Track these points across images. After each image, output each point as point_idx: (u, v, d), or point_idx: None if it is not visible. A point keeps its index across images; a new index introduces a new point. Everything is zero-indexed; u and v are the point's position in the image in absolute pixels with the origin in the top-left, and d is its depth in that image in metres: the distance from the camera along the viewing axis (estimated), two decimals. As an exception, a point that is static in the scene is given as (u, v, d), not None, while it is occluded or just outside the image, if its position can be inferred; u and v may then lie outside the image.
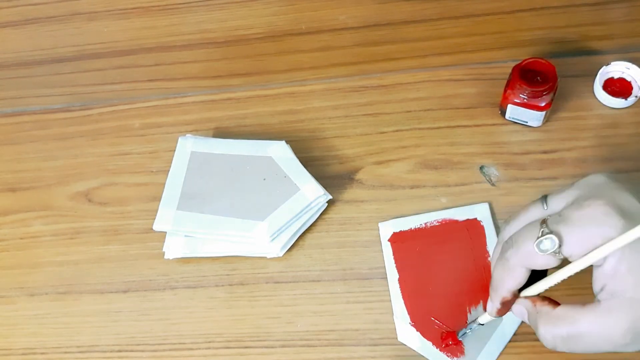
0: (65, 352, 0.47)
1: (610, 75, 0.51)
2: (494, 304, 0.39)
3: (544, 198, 0.38)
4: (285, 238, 0.47)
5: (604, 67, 0.51)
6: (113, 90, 0.59)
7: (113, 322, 0.48)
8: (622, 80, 0.51)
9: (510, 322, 0.43)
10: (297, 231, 0.48)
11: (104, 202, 0.53)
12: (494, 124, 0.52)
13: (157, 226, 0.49)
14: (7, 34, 0.64)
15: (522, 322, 0.43)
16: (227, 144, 0.51)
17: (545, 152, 0.50)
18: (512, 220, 0.39)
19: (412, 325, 0.44)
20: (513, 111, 0.50)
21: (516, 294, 0.38)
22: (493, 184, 0.49)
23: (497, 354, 0.42)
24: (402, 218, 0.48)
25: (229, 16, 0.61)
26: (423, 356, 0.43)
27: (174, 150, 0.52)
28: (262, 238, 0.47)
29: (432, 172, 0.50)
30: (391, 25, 0.58)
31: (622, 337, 0.33)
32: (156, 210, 0.49)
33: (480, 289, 0.44)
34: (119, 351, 0.47)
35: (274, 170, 0.50)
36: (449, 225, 0.47)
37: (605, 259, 0.33)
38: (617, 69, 0.51)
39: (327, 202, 0.49)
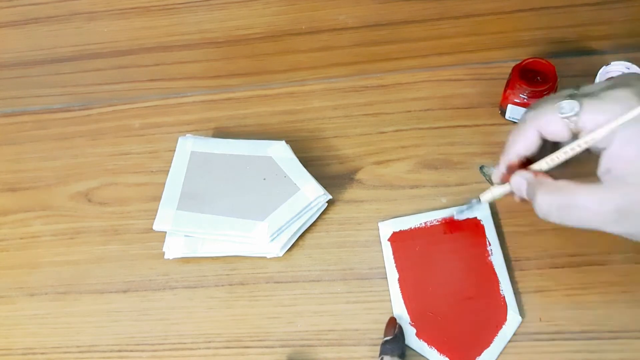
0: (65, 352, 0.47)
1: (610, 75, 0.51)
2: (499, 168, 0.39)
3: (577, 86, 0.37)
4: (285, 238, 0.47)
5: (604, 67, 0.51)
6: (113, 90, 0.59)
7: (113, 322, 0.48)
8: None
9: (510, 323, 0.43)
10: (297, 231, 0.48)
11: (104, 202, 0.53)
12: (493, 124, 0.52)
13: (157, 226, 0.49)
14: (6, 33, 0.64)
15: (522, 322, 0.43)
16: (227, 144, 0.51)
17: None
18: (540, 101, 0.38)
19: (412, 325, 0.44)
20: (513, 111, 0.50)
21: (523, 163, 0.38)
22: (493, 184, 0.49)
23: (497, 354, 0.42)
24: (401, 218, 0.48)
25: (229, 16, 0.61)
26: (423, 356, 0.43)
27: (174, 150, 0.52)
28: (262, 238, 0.47)
29: (432, 172, 0.50)
30: (391, 25, 0.58)
31: (610, 214, 0.34)
32: (156, 210, 0.49)
33: (480, 288, 0.44)
34: (119, 351, 0.47)
35: (273, 170, 0.50)
36: (449, 225, 0.47)
37: (612, 140, 0.33)
38: (617, 68, 0.51)
39: (327, 202, 0.49)
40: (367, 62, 0.56)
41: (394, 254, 0.47)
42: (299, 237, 0.49)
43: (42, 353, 0.48)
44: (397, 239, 0.47)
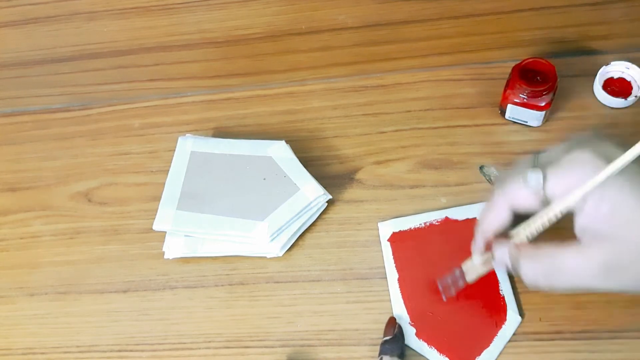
0: (65, 352, 0.47)
1: (610, 75, 0.51)
2: (477, 244, 0.40)
3: (536, 154, 0.38)
4: (285, 238, 0.47)
5: (604, 67, 0.51)
6: (113, 90, 0.59)
7: (113, 322, 0.48)
8: (621, 80, 0.51)
9: (510, 323, 0.43)
10: (297, 231, 0.48)
11: (104, 202, 0.53)
12: (493, 124, 0.52)
13: (157, 226, 0.49)
14: (6, 33, 0.64)
15: (521, 322, 0.43)
16: (227, 144, 0.51)
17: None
18: (504, 175, 0.40)
19: (411, 325, 0.44)
20: (513, 111, 0.50)
21: (498, 237, 0.39)
22: (493, 184, 0.49)
23: (497, 354, 0.42)
24: (401, 218, 0.48)
25: (229, 16, 0.61)
26: (423, 356, 0.43)
27: (174, 150, 0.52)
28: (262, 238, 0.47)
29: (432, 172, 0.50)
30: (391, 25, 0.58)
31: (597, 272, 0.34)
32: (156, 210, 0.49)
33: (480, 288, 0.44)
34: (119, 351, 0.47)
35: (273, 170, 0.49)
36: (449, 225, 0.47)
37: (585, 201, 0.34)
38: (617, 68, 0.51)
39: (327, 202, 0.49)
40: (367, 62, 0.56)
41: (393, 254, 0.47)
42: (299, 237, 0.49)
43: (42, 353, 0.48)
44: (396, 239, 0.47)
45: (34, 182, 0.55)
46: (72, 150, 0.56)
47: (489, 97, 0.52)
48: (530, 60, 0.48)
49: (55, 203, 0.54)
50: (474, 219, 0.47)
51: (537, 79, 0.48)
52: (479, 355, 0.42)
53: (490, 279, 0.44)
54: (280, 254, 0.48)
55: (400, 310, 0.45)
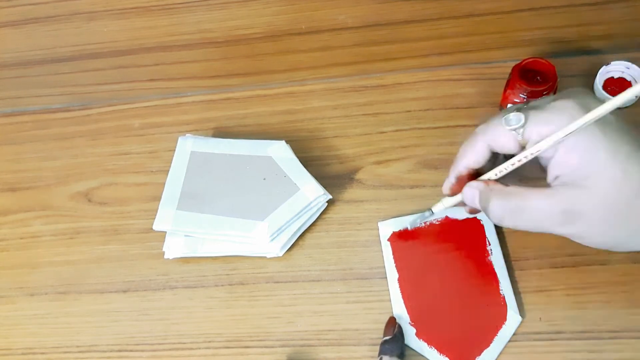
0: (65, 352, 0.47)
1: (610, 75, 0.51)
2: (449, 179, 0.41)
3: (527, 102, 0.39)
4: (285, 238, 0.47)
5: (604, 66, 0.51)
6: (113, 90, 0.59)
7: (113, 322, 0.48)
8: (622, 80, 0.51)
9: (510, 323, 0.43)
10: (297, 231, 0.48)
11: (104, 202, 0.53)
12: (493, 124, 0.52)
13: (157, 226, 0.49)
14: (6, 33, 0.64)
15: (522, 322, 0.43)
16: (227, 144, 0.51)
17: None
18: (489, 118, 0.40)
19: (411, 325, 0.44)
20: (513, 111, 0.50)
21: (471, 175, 0.40)
22: None
23: (497, 353, 0.42)
24: (401, 217, 0.48)
25: (229, 16, 0.61)
26: (423, 356, 0.43)
27: (174, 150, 0.52)
28: (262, 238, 0.47)
29: (432, 171, 0.50)
30: (391, 25, 0.58)
31: (557, 218, 0.36)
32: (156, 210, 0.49)
33: (480, 287, 0.44)
34: (119, 351, 0.47)
35: (273, 170, 0.49)
36: (449, 224, 0.47)
37: (557, 149, 0.35)
38: (617, 68, 0.51)
39: (327, 202, 0.49)
40: (367, 62, 0.56)
41: (393, 254, 0.47)
42: (299, 237, 0.49)
43: (42, 353, 0.48)
44: (396, 239, 0.47)
45: (34, 182, 0.55)
46: (72, 150, 0.56)
47: (489, 97, 0.52)
48: (530, 60, 0.48)
49: (55, 203, 0.54)
50: (474, 217, 0.47)
51: (537, 79, 0.48)
52: (479, 355, 0.42)
53: (490, 278, 0.45)
54: (280, 254, 0.48)
55: (400, 310, 0.45)
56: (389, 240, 0.47)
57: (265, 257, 0.48)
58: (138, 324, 0.48)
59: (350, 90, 0.55)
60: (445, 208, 0.44)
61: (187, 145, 0.52)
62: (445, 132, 0.52)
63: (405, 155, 0.51)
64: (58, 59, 0.61)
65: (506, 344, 0.43)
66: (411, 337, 0.44)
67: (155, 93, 0.58)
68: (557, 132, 0.35)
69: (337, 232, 0.49)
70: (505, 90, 0.49)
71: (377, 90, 0.55)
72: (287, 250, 0.48)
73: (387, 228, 0.48)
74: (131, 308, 0.48)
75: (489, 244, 0.46)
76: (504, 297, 0.44)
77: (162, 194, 0.50)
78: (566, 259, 0.45)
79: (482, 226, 0.47)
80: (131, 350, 0.47)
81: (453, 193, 0.42)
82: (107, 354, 0.47)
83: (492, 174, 0.39)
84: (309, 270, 0.48)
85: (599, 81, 0.51)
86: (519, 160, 0.37)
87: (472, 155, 0.39)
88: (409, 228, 0.46)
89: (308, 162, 0.51)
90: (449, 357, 0.43)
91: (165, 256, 0.49)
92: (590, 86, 0.52)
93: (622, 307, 0.43)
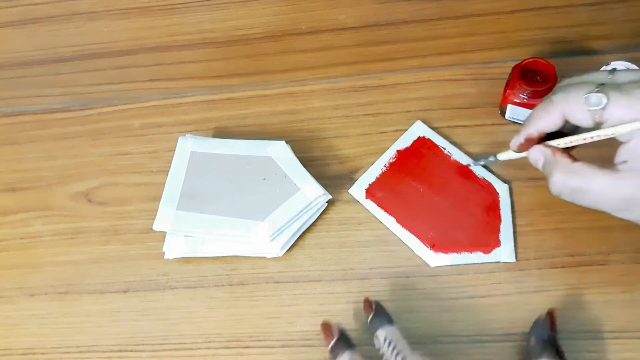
0: (65, 352, 0.47)
1: (610, 75, 0.51)
2: (518, 137, 0.41)
3: (614, 70, 0.38)
4: (285, 238, 0.47)
5: (604, 66, 0.51)
6: (113, 90, 0.59)
7: (113, 322, 0.48)
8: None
9: (504, 252, 0.45)
10: (297, 231, 0.48)
11: (104, 202, 0.53)
12: (493, 124, 0.52)
13: (157, 226, 0.49)
14: (7, 33, 0.64)
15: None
16: (227, 144, 0.51)
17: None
18: (577, 75, 0.40)
19: (432, 248, 0.46)
20: (513, 111, 0.50)
21: (541, 137, 0.40)
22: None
23: (510, 230, 0.47)
24: (363, 175, 0.50)
25: (229, 16, 0.61)
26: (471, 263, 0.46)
27: (174, 150, 0.52)
28: (262, 238, 0.47)
29: (432, 172, 0.50)
30: (391, 25, 0.58)
31: (620, 201, 0.36)
32: (156, 211, 0.49)
33: (467, 181, 0.48)
34: (119, 351, 0.47)
35: (273, 170, 0.50)
36: (402, 155, 0.50)
37: (633, 136, 0.35)
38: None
39: (327, 202, 0.49)
40: (367, 62, 0.56)
41: (379, 205, 0.49)
42: (299, 237, 0.49)
43: (42, 353, 0.48)
44: (372, 193, 0.49)
45: (34, 182, 0.55)
46: (72, 150, 0.56)
47: (489, 97, 0.52)
48: (530, 60, 0.48)
49: (55, 203, 0.54)
50: (419, 138, 0.50)
51: (537, 79, 0.48)
52: (499, 233, 0.46)
53: (466, 172, 0.49)
54: (281, 254, 0.48)
55: (416, 244, 0.47)
56: (367, 198, 0.49)
57: (265, 257, 0.48)
58: (138, 324, 0.48)
59: (350, 90, 0.55)
60: (509, 159, 0.44)
61: (187, 145, 0.52)
62: (445, 132, 0.52)
63: (405, 155, 0.51)
64: (58, 59, 0.61)
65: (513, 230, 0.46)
66: (440, 257, 0.46)
67: (155, 93, 0.58)
68: (638, 120, 0.35)
69: (337, 232, 0.49)
70: (505, 91, 0.49)
71: (378, 90, 0.55)
72: (287, 251, 0.48)
73: (359, 189, 0.50)
74: (131, 308, 0.48)
75: (444, 149, 0.50)
76: (490, 184, 0.48)
77: (162, 194, 0.50)
78: (566, 259, 0.45)
79: (430, 140, 0.51)
80: (131, 351, 0.47)
81: (520, 150, 0.42)
82: (107, 354, 0.47)
83: (561, 142, 0.39)
84: (309, 270, 0.48)
85: (634, 69, 0.51)
86: (592, 138, 0.37)
87: (546, 121, 0.39)
88: (472, 166, 0.49)
89: (308, 162, 0.51)
90: (480, 251, 0.46)
91: (165, 256, 0.49)
92: (590, 86, 0.51)
93: (623, 307, 0.43)
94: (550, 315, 0.42)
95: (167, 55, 0.60)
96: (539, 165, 0.40)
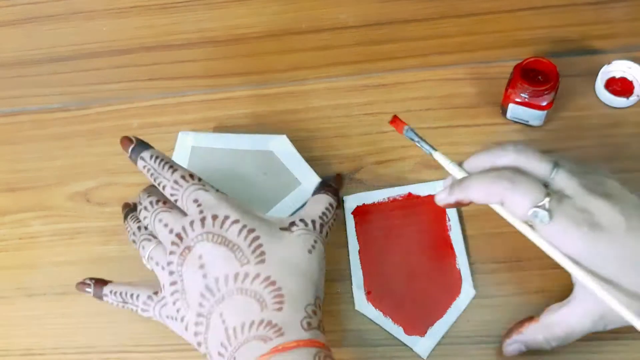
0: (64, 353, 0.47)
1: (611, 75, 0.51)
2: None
3: (557, 165, 0.38)
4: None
5: (606, 66, 0.51)
6: (112, 89, 0.58)
7: (112, 322, 0.48)
8: (623, 79, 0.51)
9: (464, 296, 0.44)
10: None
11: (103, 202, 0.53)
12: (495, 124, 0.51)
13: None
14: (4, 32, 0.64)
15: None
16: (227, 139, 0.51)
17: (546, 151, 0.49)
18: (522, 146, 0.39)
19: (368, 294, 0.45)
20: (514, 111, 0.50)
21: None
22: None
23: (449, 324, 0.44)
24: (366, 192, 0.49)
25: (229, 15, 0.61)
26: (379, 325, 0.44)
27: (173, 149, 0.52)
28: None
29: (432, 172, 0.50)
30: (392, 24, 0.58)
31: (595, 324, 0.38)
32: (155, 211, 0.49)
33: (438, 261, 0.46)
34: (118, 352, 0.47)
35: (274, 164, 0.49)
36: (411, 200, 0.48)
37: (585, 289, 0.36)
38: (619, 68, 0.51)
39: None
40: (368, 61, 0.56)
41: (356, 226, 0.48)
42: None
43: (41, 354, 0.47)
44: (360, 212, 0.48)
45: (33, 182, 0.55)
46: (70, 150, 0.56)
47: (490, 97, 0.52)
48: (532, 59, 0.48)
49: (54, 203, 0.53)
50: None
51: (539, 79, 0.48)
52: (432, 325, 0.44)
53: (447, 252, 0.46)
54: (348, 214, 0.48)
55: (358, 280, 0.46)
56: (352, 213, 0.48)
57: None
58: (137, 324, 0.47)
59: (351, 90, 0.55)
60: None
61: (188, 141, 0.52)
62: (446, 132, 0.52)
63: (405, 155, 0.51)
64: (57, 58, 0.61)
65: (459, 315, 0.44)
66: (369, 307, 0.45)
67: (154, 92, 0.58)
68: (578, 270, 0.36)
69: (338, 232, 0.49)
70: (506, 90, 0.49)
71: (378, 90, 0.55)
72: (288, 251, 0.48)
73: (352, 202, 0.49)
74: (130, 309, 0.48)
75: (449, 220, 0.47)
76: (459, 271, 0.45)
77: (161, 194, 0.50)
78: (568, 259, 0.45)
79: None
80: (130, 352, 0.47)
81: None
82: (106, 355, 0.47)
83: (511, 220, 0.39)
84: (309, 270, 0.48)
85: (600, 80, 0.51)
86: (521, 232, 0.38)
87: (482, 198, 0.38)
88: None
89: (308, 161, 0.51)
90: (403, 327, 0.44)
91: (165, 257, 0.49)
92: (591, 86, 0.51)
93: (624, 307, 0.43)
94: (338, 176, 0.47)
95: (166, 54, 0.60)
96: (522, 350, 0.41)
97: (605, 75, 0.51)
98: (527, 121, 0.50)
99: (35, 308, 0.49)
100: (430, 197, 0.47)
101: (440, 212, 0.47)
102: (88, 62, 0.60)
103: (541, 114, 0.49)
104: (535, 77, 0.48)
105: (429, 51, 0.56)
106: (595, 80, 0.51)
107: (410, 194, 0.48)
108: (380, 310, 0.45)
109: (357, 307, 0.45)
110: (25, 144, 0.57)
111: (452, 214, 0.47)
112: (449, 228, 0.47)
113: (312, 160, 0.51)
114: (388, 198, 0.49)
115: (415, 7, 0.58)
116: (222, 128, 0.55)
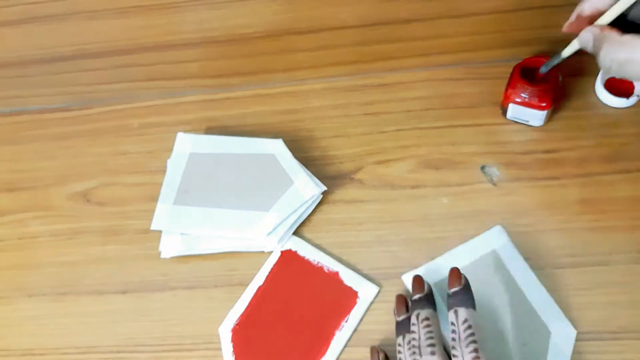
0: (64, 353, 0.47)
1: (611, 75, 0.51)
2: (570, 18, 0.42)
3: None
4: (281, 232, 0.48)
5: (606, 66, 0.51)
6: (112, 89, 0.58)
7: (112, 322, 0.48)
8: (623, 79, 0.51)
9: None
10: (293, 225, 0.48)
11: (103, 202, 0.53)
12: (495, 124, 0.51)
13: (155, 226, 0.49)
14: (5, 33, 0.64)
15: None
16: (224, 141, 0.51)
17: (546, 151, 0.50)
18: None
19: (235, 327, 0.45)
20: (514, 110, 0.50)
21: (593, 18, 0.41)
22: (494, 184, 0.49)
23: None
24: (307, 244, 0.48)
25: (229, 15, 0.61)
26: None
27: (172, 150, 0.52)
28: (259, 233, 0.47)
29: (433, 172, 0.50)
30: (391, 24, 0.57)
31: None
32: (154, 210, 0.49)
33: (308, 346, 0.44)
34: (118, 352, 0.47)
35: (270, 167, 0.50)
36: (333, 280, 0.46)
37: None
38: (619, 68, 0.51)
39: (328, 202, 0.49)
40: (368, 61, 0.56)
41: (275, 265, 0.47)
42: (300, 237, 0.49)
43: (41, 354, 0.47)
44: (288, 256, 0.47)
45: (33, 182, 0.55)
46: (70, 150, 0.56)
47: (490, 97, 0.52)
48: (532, 59, 0.48)
49: (53, 203, 0.53)
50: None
51: (539, 79, 0.48)
52: None
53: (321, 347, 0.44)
54: (278, 248, 0.48)
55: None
56: (281, 252, 0.47)
57: (262, 252, 0.48)
58: (137, 324, 0.47)
59: (350, 90, 0.55)
60: (573, 51, 0.44)
61: (185, 143, 0.52)
62: (446, 132, 0.51)
63: (406, 155, 0.51)
64: (57, 58, 0.61)
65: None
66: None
67: (154, 93, 0.58)
68: None
69: (337, 232, 0.49)
70: (506, 90, 0.49)
71: (378, 90, 0.54)
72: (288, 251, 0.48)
73: (292, 244, 0.48)
74: (130, 309, 0.48)
75: (346, 321, 0.45)
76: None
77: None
78: (567, 259, 0.45)
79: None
80: (130, 352, 0.47)
81: (570, 31, 0.42)
82: (106, 355, 0.47)
83: (606, 17, 0.40)
84: (309, 270, 0.48)
85: (600, 80, 0.51)
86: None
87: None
88: (543, 71, 0.47)
89: (308, 161, 0.51)
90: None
91: (162, 255, 0.49)
92: (591, 86, 0.51)
93: (624, 308, 0.43)
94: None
95: (166, 55, 0.60)
96: (589, 47, 0.40)
97: (605, 75, 0.51)
98: (527, 121, 0.50)
99: (35, 308, 0.49)
100: (349, 291, 0.45)
101: (345, 310, 0.45)
102: (88, 62, 0.60)
103: (541, 113, 0.49)
104: (535, 76, 0.48)
105: (429, 51, 0.55)
106: (595, 80, 0.51)
107: (337, 274, 0.46)
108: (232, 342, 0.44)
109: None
110: (25, 144, 0.57)
111: (357, 313, 0.45)
112: (339, 328, 0.44)
113: (311, 160, 0.51)
114: (317, 263, 0.47)
115: (414, 7, 0.58)
116: (222, 128, 0.55)
